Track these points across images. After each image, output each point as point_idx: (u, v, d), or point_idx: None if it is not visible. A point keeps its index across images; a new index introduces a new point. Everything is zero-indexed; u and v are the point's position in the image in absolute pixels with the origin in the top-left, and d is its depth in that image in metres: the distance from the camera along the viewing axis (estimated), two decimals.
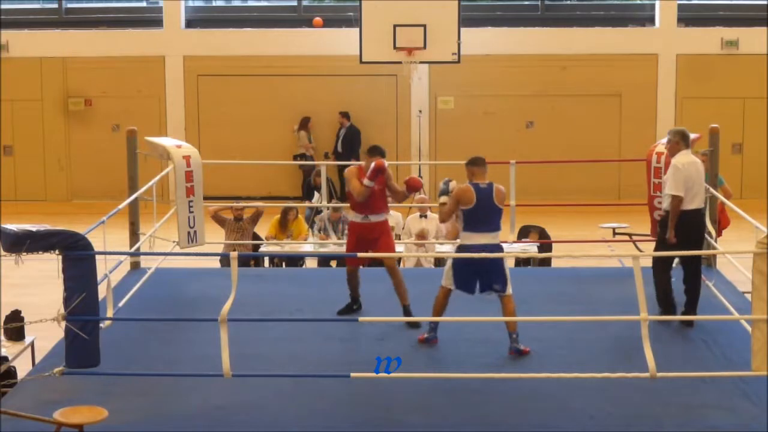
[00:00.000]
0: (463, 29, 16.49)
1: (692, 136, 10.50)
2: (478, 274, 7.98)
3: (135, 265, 10.67)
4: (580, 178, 18.19)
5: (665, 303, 8.72)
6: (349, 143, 18.79)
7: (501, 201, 7.99)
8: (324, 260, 12.77)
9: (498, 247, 8.01)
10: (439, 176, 19.04)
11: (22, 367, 8.51)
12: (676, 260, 9.04)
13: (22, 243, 6.77)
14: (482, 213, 7.94)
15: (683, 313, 8.63)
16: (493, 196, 7.95)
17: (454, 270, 8.04)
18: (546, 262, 12.05)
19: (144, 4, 20.50)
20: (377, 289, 9.13)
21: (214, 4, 21.07)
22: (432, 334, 8.23)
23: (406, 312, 8.68)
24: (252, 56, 19.16)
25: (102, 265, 7.55)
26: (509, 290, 8.02)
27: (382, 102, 19.16)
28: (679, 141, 8.72)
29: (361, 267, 9.12)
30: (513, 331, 7.94)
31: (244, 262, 11.60)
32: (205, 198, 10.47)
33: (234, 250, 11.63)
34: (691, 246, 8.46)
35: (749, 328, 7.22)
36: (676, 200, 8.47)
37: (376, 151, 8.67)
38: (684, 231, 8.49)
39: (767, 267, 6.72)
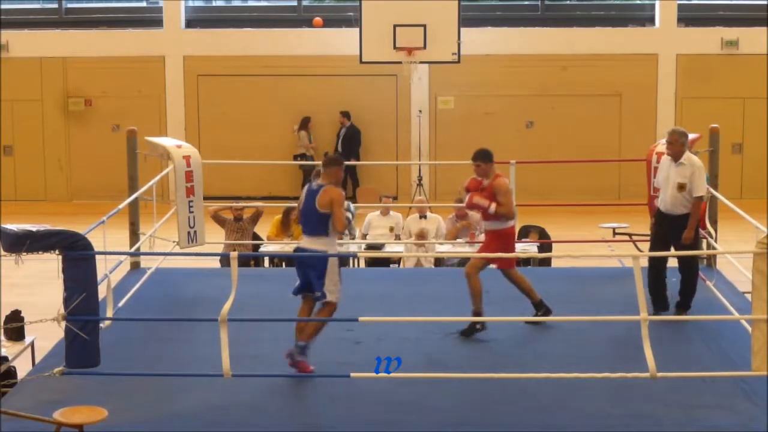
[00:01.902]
0: (463, 29, 16.50)
1: (692, 136, 10.54)
2: (301, 276, 7.71)
3: (135, 265, 10.68)
4: (580, 178, 18.19)
5: (659, 300, 8.91)
6: (349, 143, 18.79)
7: (323, 204, 7.46)
8: None
9: (310, 252, 7.60)
10: (439, 176, 19.11)
11: (22, 367, 8.51)
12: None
13: (22, 243, 6.77)
14: (303, 213, 7.68)
15: (678, 303, 8.90)
16: (315, 198, 7.49)
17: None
18: (546, 262, 12.05)
19: (144, 4, 20.51)
20: (377, 289, 9.13)
21: (214, 4, 21.08)
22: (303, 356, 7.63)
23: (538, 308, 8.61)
24: (252, 56, 19.17)
25: (102, 265, 7.55)
26: (331, 298, 7.58)
27: (382, 102, 19.16)
28: (685, 142, 8.72)
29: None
30: (300, 340, 7.51)
31: (244, 262, 11.60)
32: (205, 198, 10.48)
33: (234, 250, 11.63)
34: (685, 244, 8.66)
35: (749, 328, 7.22)
36: (702, 200, 8.75)
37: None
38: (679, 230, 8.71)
39: (767, 267, 6.73)
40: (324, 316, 7.61)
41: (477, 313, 8.36)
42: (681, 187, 8.67)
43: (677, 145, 8.68)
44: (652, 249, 8.97)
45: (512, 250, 8.72)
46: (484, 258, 8.42)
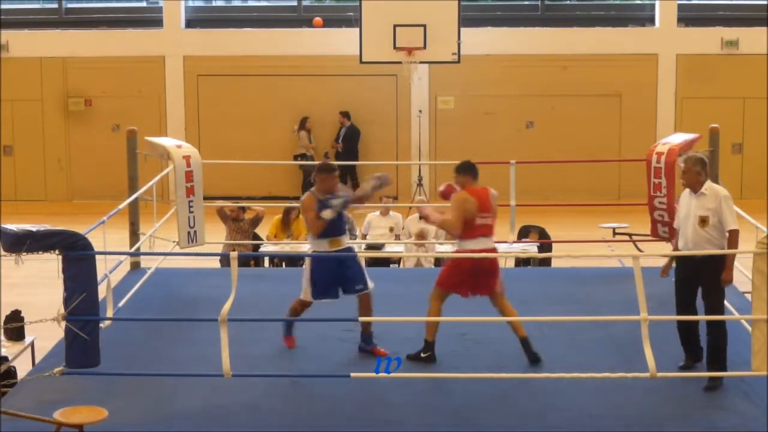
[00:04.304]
0: (463, 29, 16.48)
1: (692, 136, 10.55)
2: (342, 277, 8.02)
3: (135, 265, 10.68)
4: (580, 178, 18.19)
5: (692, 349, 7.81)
6: (349, 143, 18.80)
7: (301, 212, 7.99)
8: None
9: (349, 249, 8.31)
10: (439, 176, 19.09)
11: (22, 367, 8.51)
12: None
13: (22, 243, 6.77)
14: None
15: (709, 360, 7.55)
16: None
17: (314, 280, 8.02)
18: (546, 262, 12.05)
19: (144, 4, 20.50)
20: (377, 289, 9.08)
21: (214, 4, 21.07)
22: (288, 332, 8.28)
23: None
24: (252, 56, 19.16)
25: (102, 265, 7.55)
26: (302, 295, 8.08)
27: (382, 102, 19.16)
28: (701, 171, 7.53)
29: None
30: (367, 333, 8.05)
31: (244, 262, 11.60)
32: (205, 198, 10.48)
33: (234, 250, 11.63)
34: (718, 286, 7.48)
35: (749, 328, 7.22)
36: (738, 233, 7.41)
37: None
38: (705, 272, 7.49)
39: (767, 267, 6.73)
40: (291, 306, 8.13)
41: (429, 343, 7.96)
42: (703, 221, 7.41)
43: (691, 174, 7.51)
44: (677, 296, 7.66)
45: (464, 277, 7.84)
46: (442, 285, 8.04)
